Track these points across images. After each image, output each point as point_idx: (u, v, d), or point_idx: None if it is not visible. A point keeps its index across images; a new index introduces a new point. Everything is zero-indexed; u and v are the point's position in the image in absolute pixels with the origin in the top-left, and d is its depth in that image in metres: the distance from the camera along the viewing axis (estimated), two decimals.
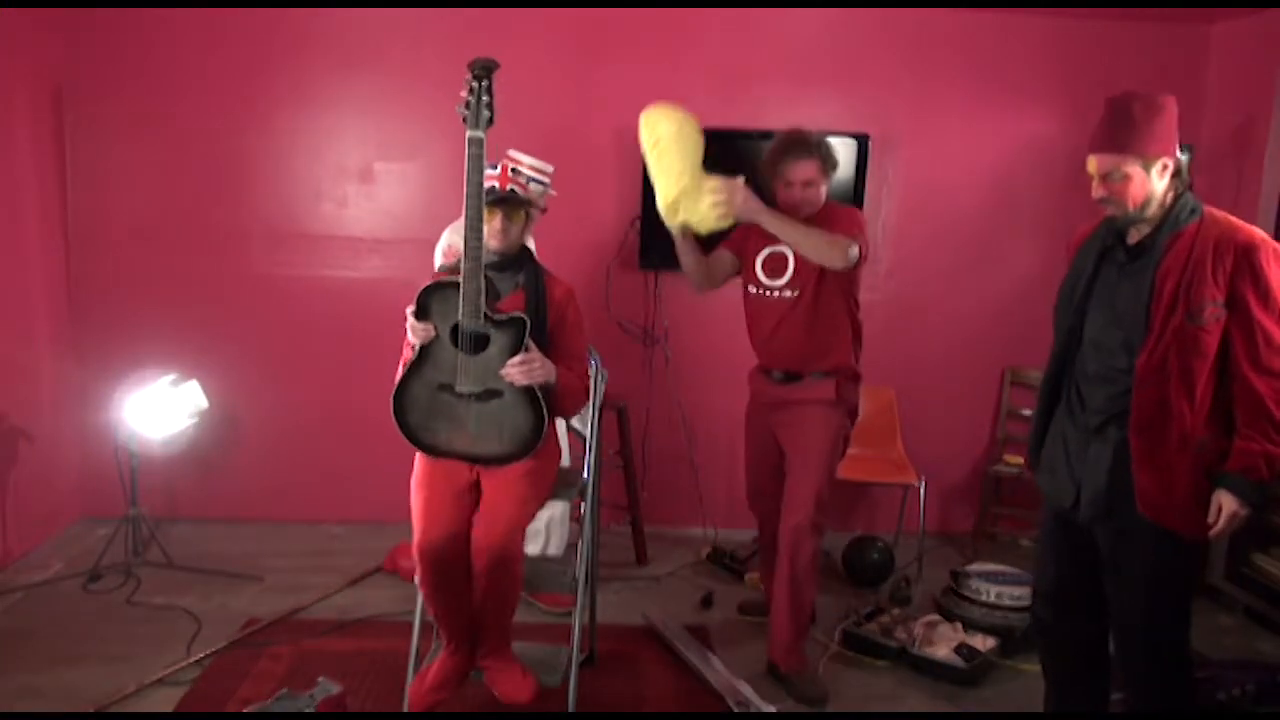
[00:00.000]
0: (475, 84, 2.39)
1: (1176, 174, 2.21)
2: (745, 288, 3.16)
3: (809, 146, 2.99)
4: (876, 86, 4.26)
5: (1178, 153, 2.20)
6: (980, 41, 4.25)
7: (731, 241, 3.16)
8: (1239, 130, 4.11)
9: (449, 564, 2.49)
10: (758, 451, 3.25)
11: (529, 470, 2.57)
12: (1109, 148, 2.18)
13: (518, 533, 2.52)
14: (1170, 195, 2.21)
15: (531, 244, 3.23)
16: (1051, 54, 4.27)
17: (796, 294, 3.02)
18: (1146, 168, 2.16)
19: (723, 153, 4.11)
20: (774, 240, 2.99)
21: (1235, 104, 4.14)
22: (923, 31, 4.22)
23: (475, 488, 2.58)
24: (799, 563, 2.98)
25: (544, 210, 3.49)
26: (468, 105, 2.39)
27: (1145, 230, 2.23)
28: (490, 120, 2.40)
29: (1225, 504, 2.14)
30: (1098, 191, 2.22)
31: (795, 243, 2.91)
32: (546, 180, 3.30)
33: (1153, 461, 2.19)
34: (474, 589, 2.54)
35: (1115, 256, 2.28)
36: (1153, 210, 2.21)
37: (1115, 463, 2.25)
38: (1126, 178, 2.17)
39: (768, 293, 3.07)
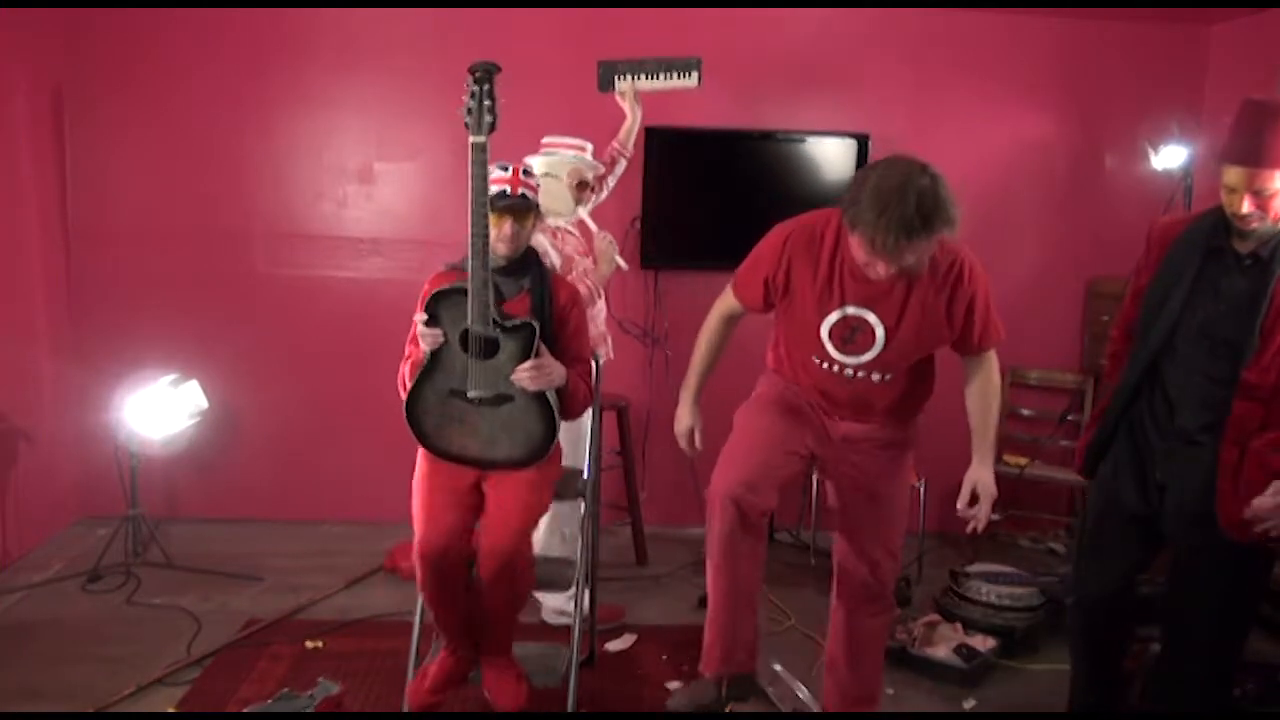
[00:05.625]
0: (476, 87, 2.30)
1: None
2: (806, 340, 2.39)
3: (934, 224, 2.07)
4: (876, 86, 4.26)
5: None
6: (980, 41, 4.25)
7: (756, 287, 2.41)
8: None
9: (448, 565, 2.48)
10: (789, 424, 2.45)
11: (535, 474, 2.56)
12: (1267, 162, 2.02)
13: (526, 537, 2.51)
14: None
15: (555, 244, 3.21)
16: (1051, 54, 4.27)
17: (885, 378, 2.38)
18: None
19: (723, 153, 4.18)
20: (846, 299, 2.28)
21: (1235, 104, 4.10)
22: (923, 31, 4.23)
23: (477, 489, 2.57)
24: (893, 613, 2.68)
25: (593, 188, 3.47)
26: (469, 110, 2.30)
27: (1259, 240, 2.12)
28: (493, 125, 2.31)
29: None
30: (1245, 206, 2.06)
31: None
32: (588, 155, 3.28)
33: (1240, 475, 2.12)
34: (481, 593, 2.53)
35: (1225, 261, 2.16)
36: None
37: (1210, 474, 2.18)
38: (1276, 193, 2.05)
39: (834, 366, 2.38)
